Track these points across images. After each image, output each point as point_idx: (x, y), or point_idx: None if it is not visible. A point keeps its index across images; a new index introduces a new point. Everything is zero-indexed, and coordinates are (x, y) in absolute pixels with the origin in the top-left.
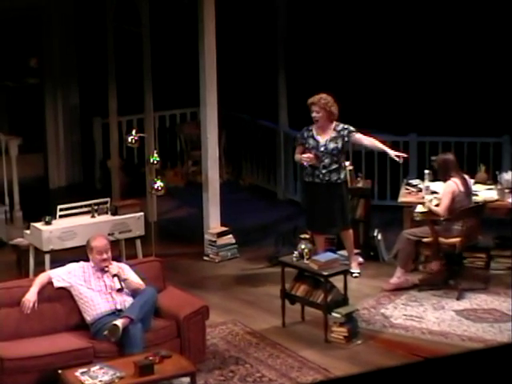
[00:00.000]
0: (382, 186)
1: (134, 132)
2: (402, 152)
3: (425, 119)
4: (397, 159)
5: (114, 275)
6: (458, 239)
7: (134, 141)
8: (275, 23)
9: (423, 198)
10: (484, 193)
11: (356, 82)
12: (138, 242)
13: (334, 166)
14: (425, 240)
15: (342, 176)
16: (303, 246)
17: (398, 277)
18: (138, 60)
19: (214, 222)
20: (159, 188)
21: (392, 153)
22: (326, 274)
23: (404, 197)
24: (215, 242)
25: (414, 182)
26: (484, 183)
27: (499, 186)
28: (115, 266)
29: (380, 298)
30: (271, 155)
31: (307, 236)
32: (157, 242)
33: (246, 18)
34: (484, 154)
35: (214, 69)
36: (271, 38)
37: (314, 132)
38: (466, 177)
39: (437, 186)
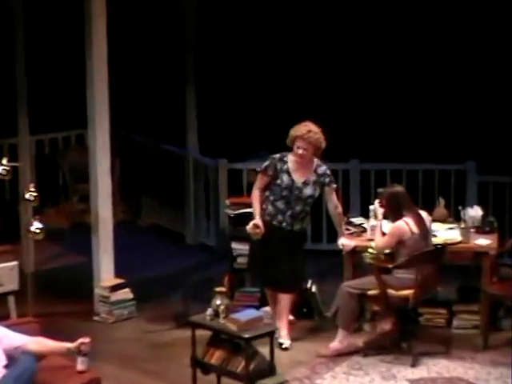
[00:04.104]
0: (316, 227)
1: (4, 161)
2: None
3: (369, 143)
4: (340, 247)
5: None
6: (411, 291)
7: (5, 172)
8: (182, 27)
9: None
10: (444, 233)
11: (278, 99)
12: (12, 299)
13: (302, 216)
14: (370, 293)
15: (305, 225)
16: (218, 302)
17: (339, 341)
18: (10, 72)
19: (106, 273)
20: (37, 231)
21: (341, 237)
22: (247, 336)
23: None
24: (108, 297)
25: (357, 220)
26: (444, 221)
27: (463, 225)
28: None
29: (315, 365)
30: (178, 189)
31: (223, 289)
32: (35, 299)
33: (148, 21)
34: (444, 184)
35: (105, 82)
36: (178, 45)
37: (290, 166)
38: (423, 214)
39: (386, 226)
